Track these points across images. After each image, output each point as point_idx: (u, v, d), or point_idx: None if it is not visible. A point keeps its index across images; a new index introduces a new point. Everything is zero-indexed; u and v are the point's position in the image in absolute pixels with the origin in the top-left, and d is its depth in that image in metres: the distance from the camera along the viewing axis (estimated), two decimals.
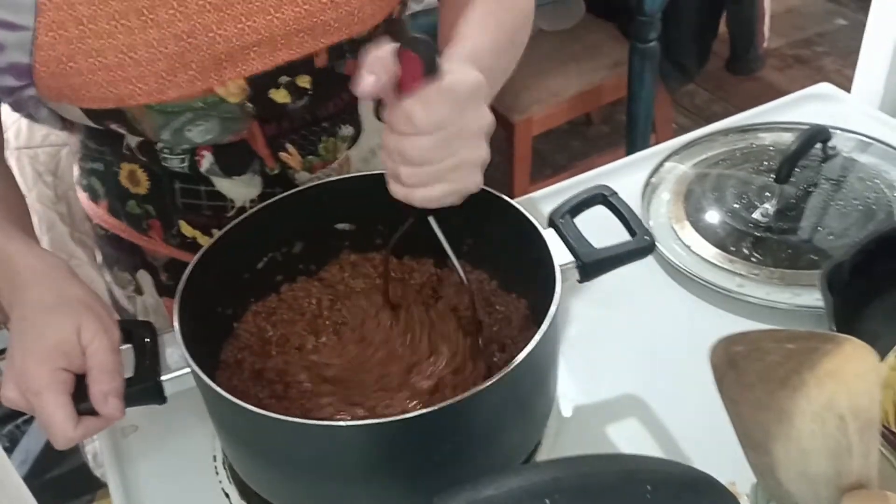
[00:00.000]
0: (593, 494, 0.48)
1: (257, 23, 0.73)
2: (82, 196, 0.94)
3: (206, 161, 0.82)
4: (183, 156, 0.82)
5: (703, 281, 0.91)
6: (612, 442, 0.78)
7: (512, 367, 0.62)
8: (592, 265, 0.72)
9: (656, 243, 0.75)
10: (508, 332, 0.78)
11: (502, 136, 2.37)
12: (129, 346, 0.69)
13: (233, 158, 0.83)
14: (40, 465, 1.83)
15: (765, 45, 2.35)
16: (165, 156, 0.82)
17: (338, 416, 0.70)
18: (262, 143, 0.82)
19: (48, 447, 1.82)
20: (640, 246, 0.74)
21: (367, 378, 0.73)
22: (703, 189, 1.03)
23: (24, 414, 0.67)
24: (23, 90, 0.72)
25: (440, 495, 0.49)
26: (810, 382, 0.47)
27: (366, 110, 0.88)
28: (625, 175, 1.08)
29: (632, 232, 0.75)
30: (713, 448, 0.62)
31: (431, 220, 0.69)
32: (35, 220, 1.48)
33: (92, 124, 0.78)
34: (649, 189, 1.04)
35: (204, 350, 0.69)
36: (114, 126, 0.78)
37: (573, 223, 0.76)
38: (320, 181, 0.83)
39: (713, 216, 0.99)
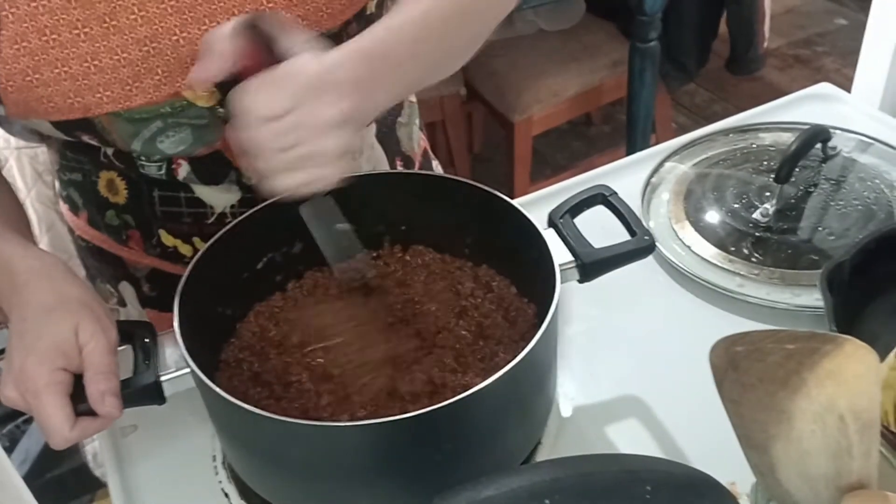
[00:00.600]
0: (593, 494, 0.48)
1: (221, 23, 0.71)
2: (63, 208, 0.94)
3: (183, 170, 0.82)
4: (160, 163, 0.81)
5: (703, 281, 0.91)
6: (612, 442, 0.78)
7: (512, 366, 0.62)
8: (592, 265, 0.72)
9: (656, 243, 0.75)
10: (509, 332, 0.78)
11: (502, 135, 2.37)
12: (128, 346, 0.69)
13: (209, 168, 0.82)
14: (40, 464, 1.82)
15: (765, 44, 2.34)
16: (143, 163, 0.81)
17: (338, 416, 0.70)
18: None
19: (48, 447, 1.81)
20: (640, 246, 0.74)
21: (368, 378, 0.73)
22: (703, 189, 1.03)
23: (23, 414, 0.67)
24: None
25: (440, 495, 0.49)
26: (810, 383, 0.47)
27: None
28: (625, 175, 1.08)
29: (632, 232, 0.75)
30: (713, 448, 0.62)
31: (303, 211, 0.66)
32: (34, 220, 1.49)
33: (64, 136, 0.78)
34: (649, 189, 1.04)
35: (204, 350, 0.69)
36: (85, 137, 0.77)
37: (573, 223, 0.76)
38: None
39: (713, 216, 0.99)
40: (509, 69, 2.20)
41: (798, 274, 0.90)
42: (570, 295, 0.91)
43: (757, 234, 0.96)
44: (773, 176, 0.99)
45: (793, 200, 0.99)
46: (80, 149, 0.83)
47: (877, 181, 1.01)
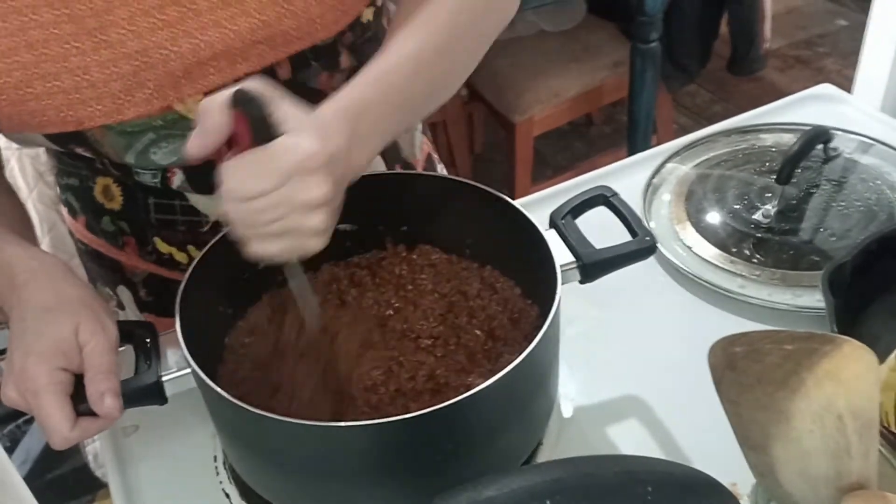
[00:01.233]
0: (594, 495, 0.48)
1: (212, 37, 0.71)
2: (63, 211, 0.94)
3: (178, 178, 0.82)
4: (155, 171, 0.81)
5: (704, 282, 0.91)
6: (613, 442, 0.78)
7: (513, 367, 0.62)
8: (593, 266, 0.72)
9: (657, 244, 0.75)
10: (513, 333, 0.78)
11: (503, 136, 2.37)
12: (129, 346, 0.69)
13: (204, 177, 0.82)
14: (41, 465, 1.83)
15: (766, 45, 2.34)
16: (138, 170, 0.81)
17: (339, 417, 0.70)
18: None
19: (49, 447, 1.81)
20: (642, 247, 0.74)
21: (370, 379, 0.73)
22: (704, 190, 1.03)
23: (24, 414, 0.67)
24: None
25: (441, 495, 0.49)
26: (809, 383, 0.47)
27: None
28: (626, 176, 1.08)
29: (633, 233, 0.75)
30: (714, 449, 0.62)
31: (287, 271, 0.68)
32: (36, 220, 1.49)
33: (57, 148, 0.78)
34: (650, 190, 1.04)
35: (205, 350, 0.69)
36: (79, 150, 0.77)
37: (574, 224, 0.76)
38: None
39: (714, 217, 0.99)
40: (510, 70, 2.20)
41: (799, 275, 0.90)
42: (572, 296, 0.91)
43: (758, 234, 0.96)
44: (774, 177, 0.99)
45: (794, 201, 0.99)
46: (76, 155, 0.83)
47: (878, 182, 1.01)
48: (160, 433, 0.83)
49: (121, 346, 0.67)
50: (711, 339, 0.53)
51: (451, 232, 0.83)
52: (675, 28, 2.18)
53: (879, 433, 0.50)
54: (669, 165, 1.08)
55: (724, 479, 0.53)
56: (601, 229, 0.76)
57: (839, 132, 1.07)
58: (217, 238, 0.76)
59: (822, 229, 0.96)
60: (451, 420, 0.62)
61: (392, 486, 0.66)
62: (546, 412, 0.75)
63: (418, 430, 0.62)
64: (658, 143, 1.34)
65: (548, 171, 2.69)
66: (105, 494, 1.78)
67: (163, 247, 0.88)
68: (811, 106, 1.19)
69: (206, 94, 0.74)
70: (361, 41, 0.82)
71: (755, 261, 0.93)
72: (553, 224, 0.76)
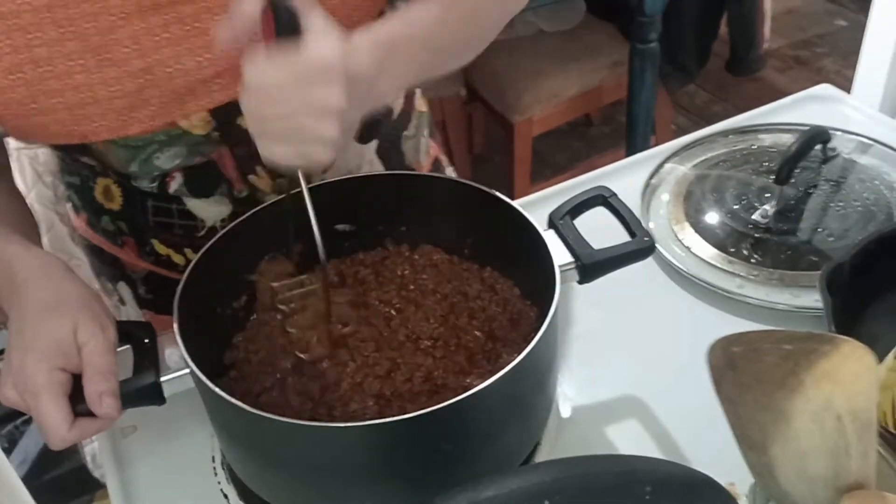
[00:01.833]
0: (593, 495, 0.48)
1: (216, 55, 0.71)
2: (67, 206, 0.95)
3: (175, 182, 0.82)
4: (154, 177, 0.82)
5: (702, 282, 0.91)
6: (612, 442, 0.78)
7: (512, 367, 0.62)
8: (592, 266, 0.72)
9: (656, 244, 0.75)
10: (512, 335, 0.78)
11: (502, 136, 2.37)
12: (128, 346, 0.69)
13: (201, 180, 0.82)
14: (39, 465, 1.82)
15: (765, 45, 2.34)
16: (137, 176, 0.82)
17: (338, 418, 0.70)
18: (231, 165, 0.81)
19: (47, 448, 1.81)
20: (640, 247, 0.74)
21: (370, 379, 0.73)
22: (702, 190, 1.03)
23: (23, 414, 0.67)
24: None
25: (441, 496, 0.49)
26: (808, 383, 0.47)
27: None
28: (625, 176, 1.08)
29: (631, 233, 0.75)
30: (713, 449, 0.62)
31: (301, 178, 0.67)
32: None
33: (62, 153, 0.78)
34: (649, 190, 1.04)
35: (203, 351, 0.69)
36: (84, 159, 0.78)
37: (573, 224, 0.76)
38: (320, 182, 0.83)
39: (713, 217, 0.99)
40: (509, 70, 2.20)
41: (798, 275, 0.90)
42: (570, 296, 0.92)
43: (757, 235, 0.96)
44: (773, 177, 0.99)
45: (793, 202, 0.99)
46: (76, 158, 0.83)
47: (876, 182, 1.01)
48: (158, 434, 0.83)
49: (120, 347, 0.67)
50: (710, 339, 0.53)
51: (450, 232, 0.83)
52: (674, 28, 2.18)
53: (878, 433, 0.50)
54: (668, 166, 1.08)
55: (723, 479, 0.53)
56: (600, 230, 0.76)
57: (838, 132, 1.07)
58: (215, 239, 0.76)
59: (820, 229, 0.96)
60: (451, 420, 0.62)
61: (391, 486, 0.66)
62: (545, 412, 0.75)
63: (418, 430, 0.62)
64: (657, 144, 1.34)
65: (547, 171, 2.69)
66: (103, 495, 1.77)
67: (161, 248, 0.88)
68: (810, 106, 1.19)
69: (210, 111, 0.74)
70: None
71: (754, 261, 0.93)
72: (552, 224, 0.76)
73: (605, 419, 0.80)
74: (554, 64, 2.23)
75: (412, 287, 0.82)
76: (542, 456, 0.76)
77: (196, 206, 0.84)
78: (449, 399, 0.60)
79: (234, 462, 0.74)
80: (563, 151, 2.80)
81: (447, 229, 0.83)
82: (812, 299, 0.87)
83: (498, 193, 0.77)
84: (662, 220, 1.01)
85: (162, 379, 0.67)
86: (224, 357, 0.78)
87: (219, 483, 0.78)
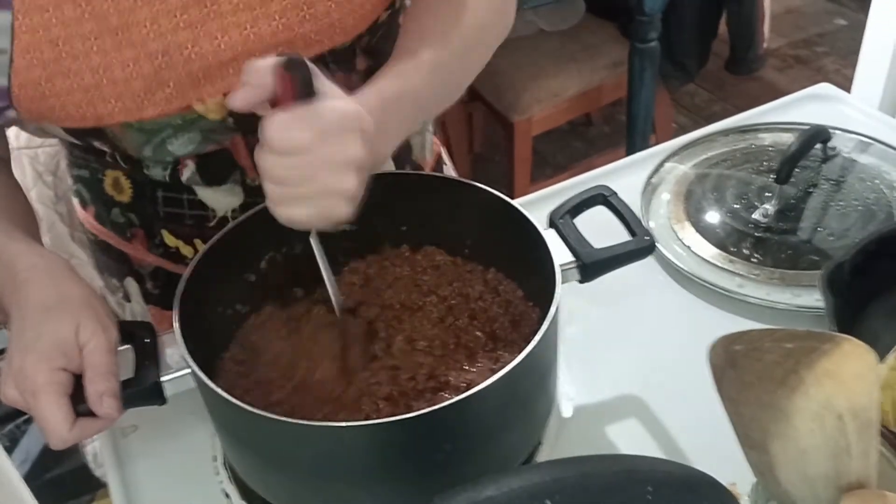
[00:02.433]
0: (594, 495, 0.48)
1: (233, 39, 0.72)
2: (75, 201, 0.95)
3: (188, 170, 0.82)
4: (165, 164, 0.82)
5: (703, 281, 0.91)
6: (613, 442, 0.78)
7: (512, 367, 0.62)
8: (593, 265, 0.72)
9: (656, 244, 0.75)
10: (513, 335, 0.78)
11: (502, 135, 2.37)
12: (129, 346, 0.69)
13: (214, 168, 0.83)
14: (40, 465, 1.82)
15: (765, 45, 2.34)
16: (148, 163, 0.82)
17: (338, 418, 0.70)
18: (245, 153, 0.82)
19: (48, 447, 1.81)
20: (641, 246, 0.74)
21: (371, 382, 0.73)
22: (703, 189, 1.03)
23: (24, 414, 0.67)
24: (4, 111, 0.72)
25: (441, 495, 0.49)
26: (808, 381, 0.47)
27: None
28: (625, 175, 1.08)
29: (632, 232, 0.75)
30: (714, 448, 0.62)
31: (312, 240, 0.68)
32: None
33: (75, 140, 0.78)
34: (649, 189, 1.04)
35: (205, 350, 0.69)
36: (97, 144, 0.78)
37: (573, 223, 0.76)
38: None
39: (713, 216, 0.99)
40: (509, 69, 2.20)
41: (798, 274, 0.90)
42: (571, 295, 0.91)
43: (757, 234, 0.96)
44: (773, 176, 0.99)
45: (793, 201, 0.99)
46: (87, 148, 0.84)
47: (877, 181, 1.01)
48: (159, 433, 0.83)
49: (121, 347, 0.67)
50: (710, 338, 0.53)
51: (450, 232, 0.83)
52: (673, 28, 2.18)
53: (879, 432, 0.50)
54: (668, 165, 1.08)
55: (724, 479, 0.53)
56: (600, 229, 0.76)
57: (838, 131, 1.07)
58: (217, 238, 0.76)
59: (820, 228, 0.96)
60: (451, 420, 0.62)
61: (392, 485, 0.66)
62: (546, 412, 0.75)
63: (418, 430, 0.62)
64: (657, 143, 1.34)
65: (547, 170, 2.69)
66: (104, 494, 1.77)
67: (170, 240, 0.88)
68: (810, 105, 1.19)
69: (226, 94, 0.75)
70: (376, 41, 0.82)
71: (754, 260, 0.93)
72: (552, 224, 0.76)
73: (606, 419, 0.80)
74: (554, 63, 2.23)
75: (414, 288, 0.82)
76: (542, 455, 0.76)
77: (207, 195, 0.84)
78: (451, 399, 0.60)
79: (236, 461, 0.74)
80: (563, 151, 2.80)
81: (446, 229, 0.83)
82: (812, 298, 0.87)
83: (498, 193, 0.77)
84: (663, 219, 1.01)
85: (163, 379, 0.67)
86: (225, 357, 0.78)
87: (220, 482, 0.78)
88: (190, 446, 0.81)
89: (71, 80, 0.70)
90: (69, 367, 0.64)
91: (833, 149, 1.05)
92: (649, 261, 0.91)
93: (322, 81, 0.61)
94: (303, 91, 0.59)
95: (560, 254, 0.73)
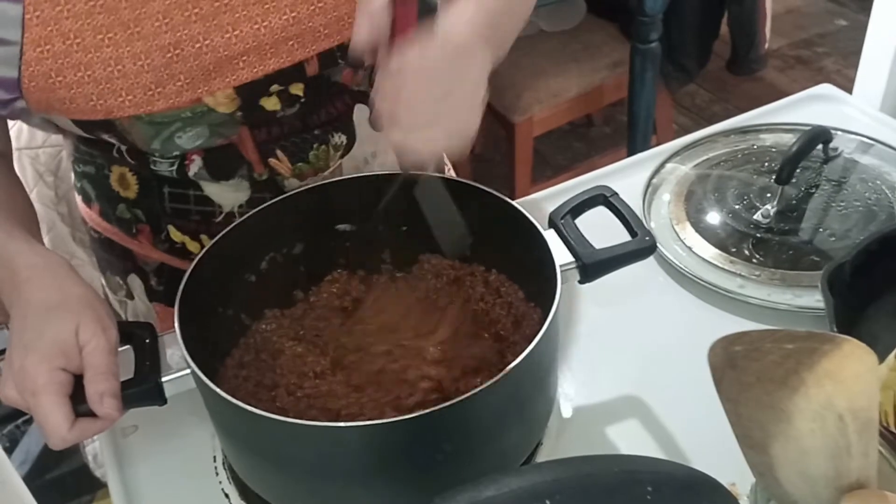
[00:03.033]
0: (594, 495, 0.48)
1: (244, 32, 0.73)
2: (78, 199, 0.95)
3: (195, 165, 0.82)
4: (172, 159, 0.82)
5: (703, 282, 0.91)
6: (613, 442, 0.78)
7: (513, 367, 0.62)
8: (593, 266, 0.72)
9: (657, 244, 0.75)
10: (514, 337, 0.78)
11: (503, 136, 2.37)
12: (129, 346, 0.69)
13: (221, 162, 0.83)
14: (40, 465, 1.82)
15: (766, 45, 2.34)
16: (155, 159, 0.82)
17: (339, 419, 0.70)
18: (252, 147, 0.82)
19: (48, 447, 1.81)
20: (641, 247, 0.74)
21: (372, 386, 0.73)
22: (704, 190, 1.03)
23: (24, 414, 0.67)
24: (13, 103, 0.72)
25: (441, 496, 0.49)
26: (809, 382, 0.47)
27: (360, 119, 0.88)
28: (626, 176, 1.08)
29: (633, 233, 0.75)
30: (714, 449, 0.62)
31: (416, 194, 0.69)
32: None
33: (83, 133, 0.78)
34: (650, 190, 1.04)
35: (205, 351, 0.69)
36: (105, 136, 0.78)
37: (574, 224, 0.76)
38: (320, 182, 0.83)
39: (714, 217, 0.99)
40: (510, 70, 2.20)
41: (799, 275, 0.90)
42: (571, 295, 0.92)
43: (758, 235, 0.96)
44: (774, 177, 0.99)
45: (794, 201, 0.99)
46: (93, 143, 0.84)
47: (878, 182, 1.01)
48: (160, 433, 0.83)
49: (121, 347, 0.67)
50: (711, 339, 0.53)
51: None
52: (674, 28, 2.18)
53: (879, 433, 0.49)
54: (669, 165, 1.08)
55: (724, 479, 0.53)
56: (601, 229, 0.76)
57: (839, 132, 1.07)
58: (217, 238, 0.76)
59: (821, 229, 0.96)
60: (451, 420, 0.62)
61: (392, 486, 0.66)
62: (546, 412, 0.75)
63: (418, 431, 0.62)
64: (658, 144, 1.34)
65: (547, 171, 2.69)
66: (104, 494, 1.77)
67: (176, 235, 0.88)
68: (811, 106, 1.19)
69: (236, 88, 0.75)
70: None
71: (755, 261, 0.93)
72: (553, 224, 0.76)
73: (606, 419, 0.80)
74: (554, 64, 2.23)
75: (415, 289, 0.82)
76: (543, 456, 0.76)
77: (214, 191, 0.85)
78: (449, 399, 0.60)
79: (236, 462, 0.74)
80: (564, 151, 2.80)
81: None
82: (813, 299, 0.87)
83: (499, 193, 0.77)
84: (663, 219, 1.01)
85: (163, 379, 0.67)
86: (226, 357, 0.78)
87: (220, 483, 0.78)
88: (190, 446, 0.81)
89: (82, 72, 0.70)
90: (69, 368, 0.64)
91: (834, 149, 1.05)
92: (650, 261, 0.91)
93: None
94: (426, 11, 0.60)
95: (561, 254, 0.73)
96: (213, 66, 0.73)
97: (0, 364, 0.69)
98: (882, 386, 0.66)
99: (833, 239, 0.94)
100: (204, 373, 0.64)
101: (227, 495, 0.76)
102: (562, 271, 0.70)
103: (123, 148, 0.82)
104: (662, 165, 1.08)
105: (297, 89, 0.79)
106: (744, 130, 1.13)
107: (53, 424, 0.62)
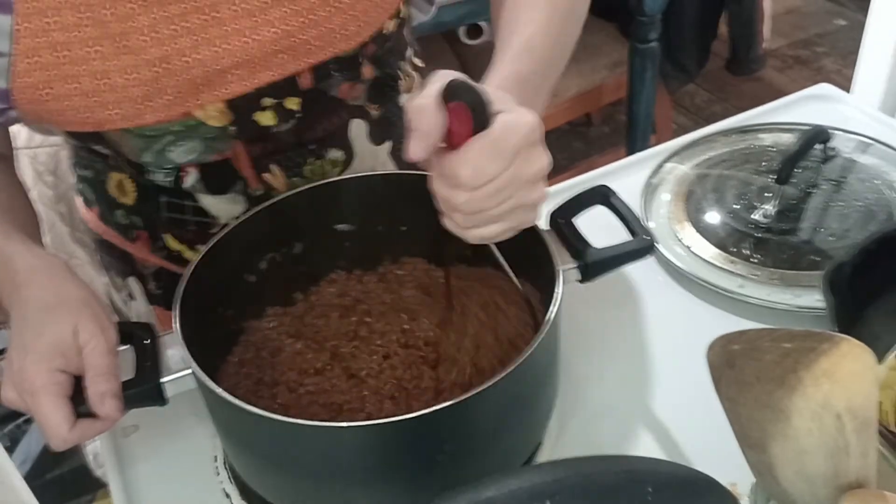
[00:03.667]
0: (594, 495, 0.48)
1: (233, 46, 0.71)
2: (78, 200, 0.95)
3: (191, 178, 0.82)
4: (167, 170, 0.82)
5: (703, 282, 0.91)
6: (613, 442, 0.78)
7: (512, 367, 0.62)
8: (593, 265, 0.72)
9: (656, 244, 0.75)
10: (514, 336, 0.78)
11: None
12: (129, 347, 0.69)
13: (217, 177, 0.83)
14: (41, 465, 1.83)
15: (765, 45, 2.34)
16: (151, 169, 0.82)
17: (339, 418, 0.70)
18: (247, 163, 0.82)
19: (49, 447, 1.81)
20: (641, 246, 0.74)
21: (372, 387, 0.73)
22: (703, 190, 1.03)
23: (24, 414, 0.67)
24: (5, 112, 0.72)
25: (441, 496, 0.49)
26: (807, 381, 0.47)
27: (356, 134, 0.87)
28: (625, 175, 1.08)
29: (632, 232, 0.75)
30: (714, 449, 0.62)
31: (492, 245, 0.69)
32: None
33: (76, 143, 0.78)
34: (649, 189, 1.04)
35: (205, 351, 0.69)
36: (97, 147, 0.78)
37: (573, 223, 0.76)
38: (320, 182, 0.83)
39: (713, 217, 0.99)
40: None
41: (799, 275, 0.90)
42: (571, 295, 0.91)
43: (757, 234, 0.96)
44: (773, 177, 0.99)
45: (793, 201, 0.99)
46: (90, 149, 0.84)
47: (877, 182, 1.01)
48: (160, 433, 0.83)
49: (120, 347, 0.67)
50: (710, 338, 0.53)
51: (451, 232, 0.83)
52: (674, 28, 2.18)
53: (879, 432, 0.50)
54: (668, 165, 1.08)
55: (724, 479, 0.53)
56: (600, 229, 0.76)
57: (838, 132, 1.07)
58: (217, 238, 0.76)
59: (821, 229, 0.96)
60: (452, 420, 0.62)
61: (392, 486, 0.66)
62: (546, 412, 0.75)
63: (418, 431, 0.62)
64: (657, 143, 1.34)
65: None
66: (105, 494, 1.78)
67: (173, 244, 0.88)
68: (810, 106, 1.19)
69: (226, 101, 0.75)
70: (383, 52, 0.82)
71: (754, 260, 0.93)
72: (552, 223, 0.76)
73: (606, 419, 0.80)
74: None
75: (416, 291, 0.82)
76: (543, 456, 0.76)
77: (210, 203, 0.84)
78: (450, 399, 0.60)
79: (236, 461, 0.74)
80: (564, 151, 2.80)
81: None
82: (813, 299, 0.87)
83: None
84: (663, 219, 1.01)
85: (163, 380, 0.67)
86: (227, 356, 0.78)
87: (221, 482, 0.78)
88: (190, 446, 0.81)
89: (71, 84, 0.70)
90: (68, 369, 0.64)
91: (833, 149, 1.05)
92: (649, 261, 0.91)
93: (485, 92, 0.58)
94: (480, 116, 0.57)
95: (560, 254, 0.73)
96: (202, 80, 0.72)
97: (0, 364, 0.69)
98: (882, 385, 0.66)
99: (832, 239, 0.94)
100: (205, 373, 0.64)
101: (227, 495, 0.77)
102: (562, 271, 0.70)
103: (119, 157, 0.82)
104: (662, 165, 1.08)
105: (292, 104, 0.79)
106: (743, 130, 1.13)
107: (53, 425, 0.62)
